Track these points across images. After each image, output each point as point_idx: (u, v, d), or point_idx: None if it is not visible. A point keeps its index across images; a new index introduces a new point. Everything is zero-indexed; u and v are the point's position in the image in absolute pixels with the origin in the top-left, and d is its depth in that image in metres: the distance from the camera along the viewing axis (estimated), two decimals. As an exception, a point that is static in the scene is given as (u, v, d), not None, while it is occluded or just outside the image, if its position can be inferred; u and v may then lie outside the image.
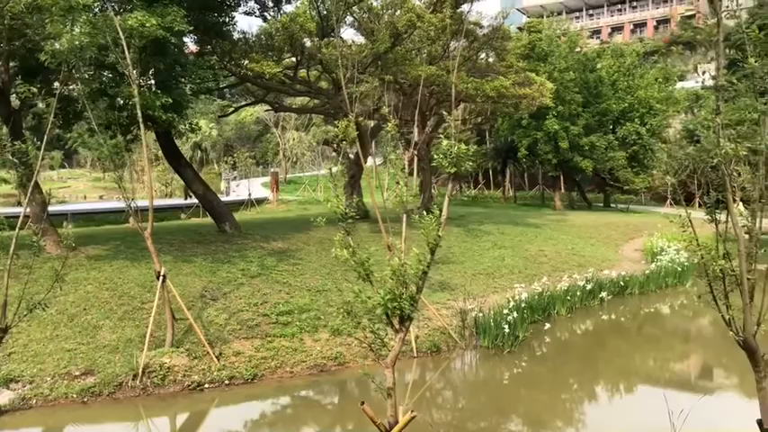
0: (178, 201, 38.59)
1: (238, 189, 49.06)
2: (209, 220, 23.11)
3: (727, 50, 44.20)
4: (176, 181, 42.69)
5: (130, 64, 11.69)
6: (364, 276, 7.31)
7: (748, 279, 6.15)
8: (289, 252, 18.52)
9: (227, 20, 20.38)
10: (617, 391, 13.04)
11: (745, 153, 6.20)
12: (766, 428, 6.39)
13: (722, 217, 6.45)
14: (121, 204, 11.71)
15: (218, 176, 55.44)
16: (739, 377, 12.43)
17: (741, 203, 8.99)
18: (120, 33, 11.62)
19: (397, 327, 7.45)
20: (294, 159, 66.35)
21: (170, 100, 15.30)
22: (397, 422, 7.40)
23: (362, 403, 7.42)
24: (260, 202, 40.25)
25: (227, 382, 11.68)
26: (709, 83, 6.67)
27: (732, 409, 11.29)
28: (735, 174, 6.73)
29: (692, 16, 76.41)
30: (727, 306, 6.30)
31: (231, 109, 33.62)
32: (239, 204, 37.24)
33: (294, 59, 22.72)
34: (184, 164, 21.95)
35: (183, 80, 17.29)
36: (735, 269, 6.27)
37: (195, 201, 26.27)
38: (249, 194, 39.02)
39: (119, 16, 13.50)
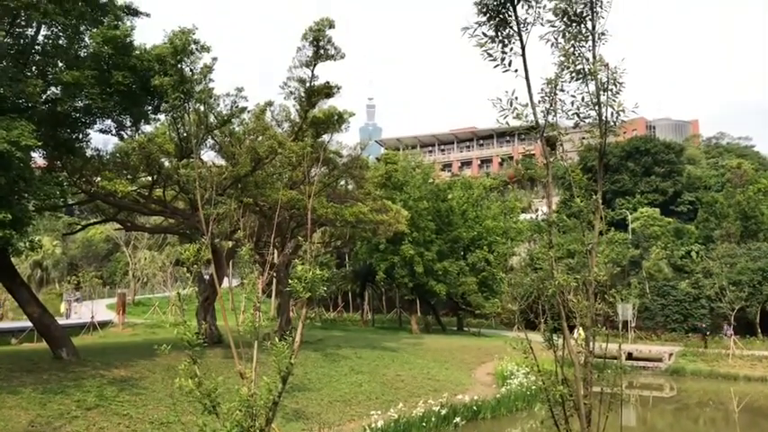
0: (10, 324, 34.98)
1: (81, 311, 45.43)
2: (44, 345, 21.06)
3: (559, 190, 48.92)
4: (10, 302, 38.99)
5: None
6: (210, 409, 6.90)
7: (585, 404, 6.47)
8: (131, 380, 17.16)
9: (81, 136, 19.70)
10: None
11: (575, 284, 6.73)
12: None
13: (560, 342, 6.84)
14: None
15: (59, 297, 51.25)
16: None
17: (582, 329, 9.61)
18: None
19: (245, 463, 7.01)
20: (144, 280, 63.10)
21: (9, 216, 14.27)
22: None
23: None
24: (104, 325, 37.46)
25: None
26: (543, 218, 7.29)
27: None
28: (573, 301, 7.23)
29: (531, 156, 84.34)
30: (567, 431, 6.54)
31: (79, 227, 31.70)
32: (81, 328, 34.48)
33: (150, 179, 22.20)
34: (20, 283, 20.16)
35: (26, 195, 16.24)
36: (573, 394, 6.57)
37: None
38: (92, 317, 36.25)
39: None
